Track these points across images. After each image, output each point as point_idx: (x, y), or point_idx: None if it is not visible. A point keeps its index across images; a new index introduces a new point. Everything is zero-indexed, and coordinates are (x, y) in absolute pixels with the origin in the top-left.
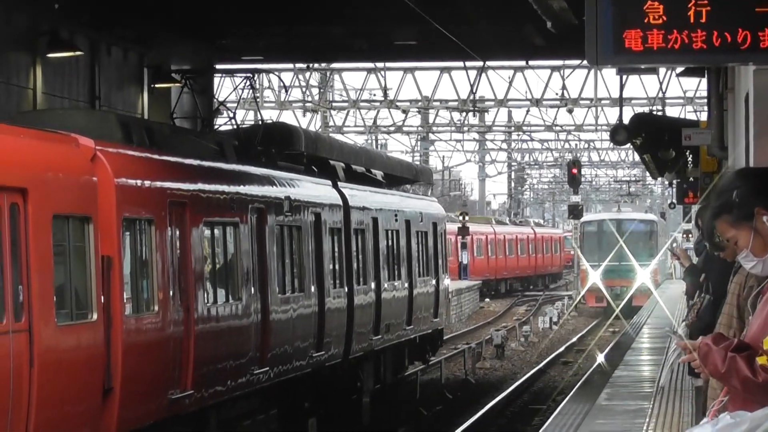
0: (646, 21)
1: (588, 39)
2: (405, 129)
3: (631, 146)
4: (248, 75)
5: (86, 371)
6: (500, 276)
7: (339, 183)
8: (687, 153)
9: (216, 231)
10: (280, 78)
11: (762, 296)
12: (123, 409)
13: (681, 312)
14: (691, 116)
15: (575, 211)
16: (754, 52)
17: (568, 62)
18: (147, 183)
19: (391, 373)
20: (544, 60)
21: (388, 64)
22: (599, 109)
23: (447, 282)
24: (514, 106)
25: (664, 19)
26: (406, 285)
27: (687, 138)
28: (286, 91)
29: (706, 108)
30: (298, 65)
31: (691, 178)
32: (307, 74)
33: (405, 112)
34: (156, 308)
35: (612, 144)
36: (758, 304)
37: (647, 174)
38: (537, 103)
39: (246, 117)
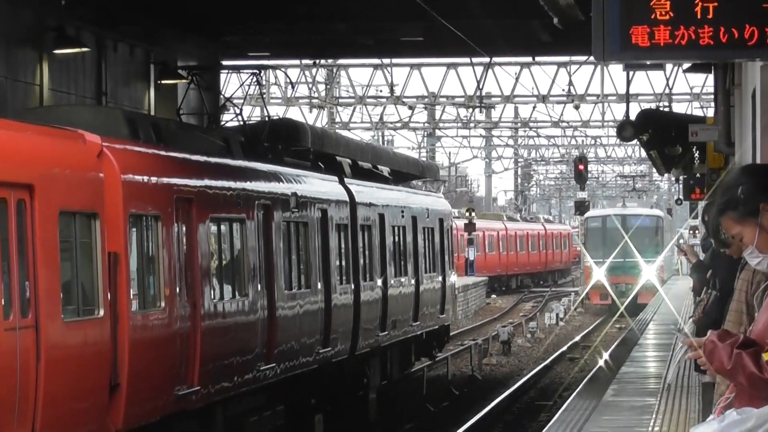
0: (653, 17)
1: (595, 35)
2: (411, 125)
3: (638, 142)
4: (254, 71)
5: (93, 367)
6: (511, 272)
7: (345, 179)
8: (694, 149)
9: (222, 227)
10: (286, 74)
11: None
12: (129, 405)
13: (687, 309)
14: (698, 112)
15: (582, 208)
16: (761, 47)
17: (574, 58)
18: (153, 179)
19: (397, 370)
20: (550, 56)
21: (395, 60)
22: (606, 105)
23: (453, 278)
24: (520, 102)
25: (671, 14)
26: (413, 281)
27: (694, 134)
28: (293, 88)
29: (712, 104)
30: (305, 61)
31: (698, 174)
32: (314, 70)
33: (411, 108)
34: (162, 304)
35: (618, 140)
36: (765, 300)
37: (654, 170)
38: (543, 99)
39: (252, 113)
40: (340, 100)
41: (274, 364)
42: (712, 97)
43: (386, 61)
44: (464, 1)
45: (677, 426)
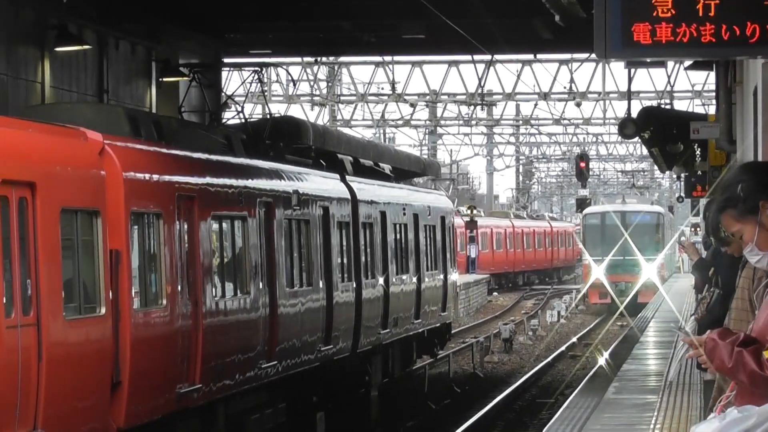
0: (654, 14)
1: (596, 32)
2: (413, 123)
3: (639, 140)
4: (256, 69)
5: (94, 365)
6: (518, 269)
7: (347, 177)
8: (695, 146)
9: (224, 225)
10: (288, 72)
11: None
12: (131, 402)
13: (689, 307)
14: (700, 110)
15: (583, 205)
16: (762, 45)
17: (576, 55)
18: (155, 177)
19: (399, 367)
20: (552, 53)
21: (396, 58)
22: (607, 102)
23: (455, 276)
24: (522, 99)
25: (673, 12)
26: (414, 279)
27: (695, 131)
28: (294, 85)
29: (714, 101)
30: (306, 59)
31: (700, 172)
32: (315, 68)
33: (413, 105)
34: (164, 302)
35: (620, 137)
36: (765, 298)
37: (655, 167)
38: (545, 96)
39: (254, 111)
40: (342, 98)
41: (275, 362)
42: (714, 94)
43: (388, 58)
44: None
45: (679, 423)
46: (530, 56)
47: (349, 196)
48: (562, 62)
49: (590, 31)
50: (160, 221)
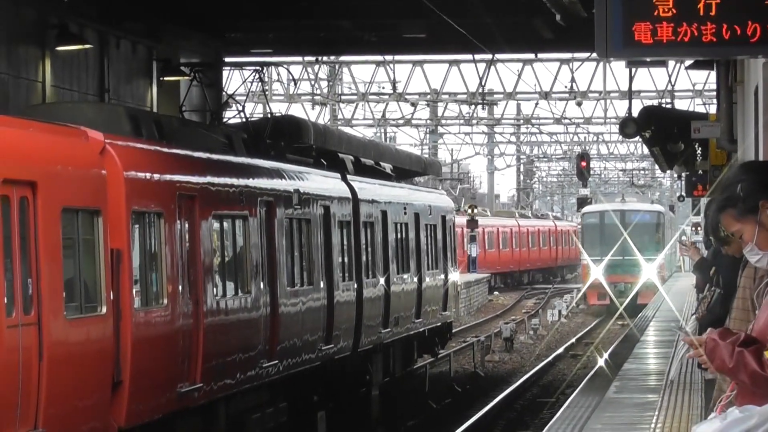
0: (655, 13)
1: (597, 31)
2: (414, 122)
3: (640, 139)
4: (257, 68)
5: (95, 364)
6: (524, 268)
7: (348, 176)
8: (696, 146)
9: (225, 224)
10: (288, 71)
11: None
12: (132, 402)
13: (690, 306)
14: (700, 109)
15: (584, 204)
16: (763, 44)
17: (577, 55)
18: (156, 176)
19: (400, 366)
20: (553, 53)
21: (397, 57)
22: (608, 101)
23: (456, 275)
24: (522, 98)
25: (674, 11)
26: (415, 278)
27: (696, 131)
28: (295, 84)
29: (715, 101)
30: (307, 58)
31: (700, 171)
32: (316, 67)
33: (414, 105)
34: (165, 301)
35: (621, 137)
36: (765, 297)
37: (656, 167)
38: (546, 95)
39: (255, 110)
40: (343, 97)
41: (276, 361)
42: (715, 93)
43: (388, 57)
44: None
45: (680, 422)
46: (531, 55)
47: (350, 196)
48: (562, 61)
49: (591, 30)
50: (161, 220)
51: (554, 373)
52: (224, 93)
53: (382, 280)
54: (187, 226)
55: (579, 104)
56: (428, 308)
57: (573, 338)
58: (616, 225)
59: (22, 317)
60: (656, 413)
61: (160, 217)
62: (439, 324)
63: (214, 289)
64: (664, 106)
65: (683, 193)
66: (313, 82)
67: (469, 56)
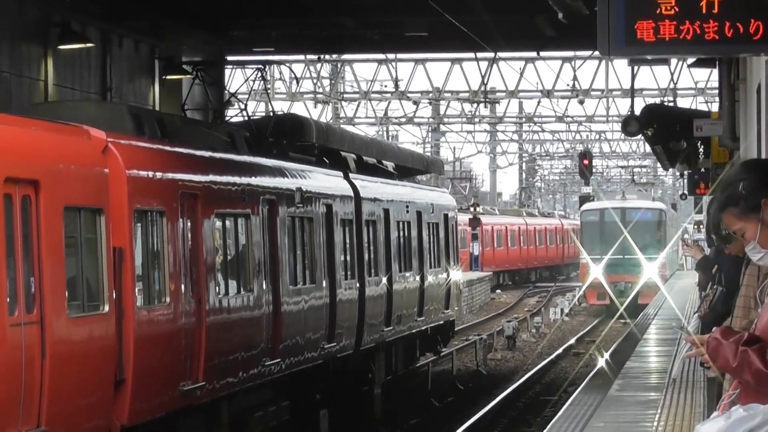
0: (658, 12)
1: (600, 30)
2: (416, 120)
3: (643, 137)
4: (259, 66)
5: (98, 363)
6: (531, 265)
7: (350, 174)
8: (698, 144)
9: (227, 222)
10: (291, 69)
11: None
12: (135, 400)
13: (692, 304)
14: (703, 107)
15: (586, 202)
16: (766, 42)
17: (579, 53)
18: (158, 174)
19: (402, 365)
20: (555, 51)
21: (399, 56)
22: (610, 100)
23: (458, 273)
24: (525, 97)
25: (677, 9)
26: (418, 276)
27: (698, 129)
28: (298, 83)
29: (717, 99)
30: (310, 56)
31: (703, 169)
32: (318, 65)
33: (416, 103)
34: (167, 300)
35: (623, 135)
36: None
37: (658, 164)
38: (548, 94)
39: (257, 108)
40: (345, 95)
41: (279, 360)
42: (717, 92)
43: (391, 56)
44: None
45: (682, 420)
46: (533, 54)
47: (352, 194)
48: (565, 60)
49: (593, 28)
50: (164, 219)
51: (556, 371)
52: (227, 91)
53: (384, 279)
54: (189, 224)
55: (581, 102)
56: (430, 306)
57: (572, 339)
58: (616, 223)
59: (24, 316)
60: (658, 411)
61: (163, 215)
62: (441, 322)
63: (217, 287)
64: (666, 104)
65: (685, 191)
66: (315, 81)
67: (471, 54)
